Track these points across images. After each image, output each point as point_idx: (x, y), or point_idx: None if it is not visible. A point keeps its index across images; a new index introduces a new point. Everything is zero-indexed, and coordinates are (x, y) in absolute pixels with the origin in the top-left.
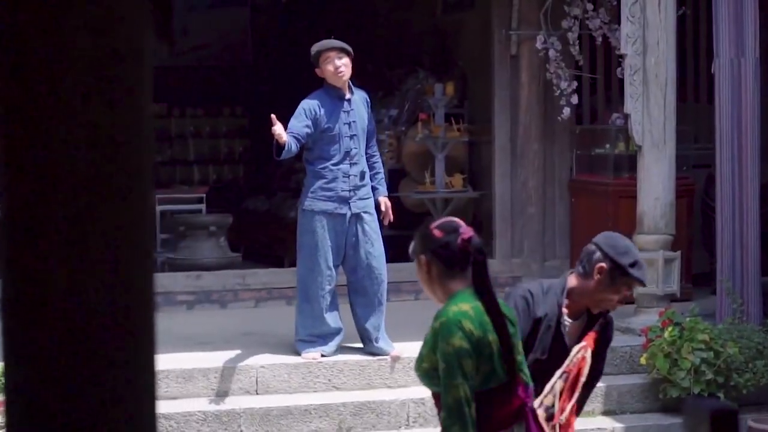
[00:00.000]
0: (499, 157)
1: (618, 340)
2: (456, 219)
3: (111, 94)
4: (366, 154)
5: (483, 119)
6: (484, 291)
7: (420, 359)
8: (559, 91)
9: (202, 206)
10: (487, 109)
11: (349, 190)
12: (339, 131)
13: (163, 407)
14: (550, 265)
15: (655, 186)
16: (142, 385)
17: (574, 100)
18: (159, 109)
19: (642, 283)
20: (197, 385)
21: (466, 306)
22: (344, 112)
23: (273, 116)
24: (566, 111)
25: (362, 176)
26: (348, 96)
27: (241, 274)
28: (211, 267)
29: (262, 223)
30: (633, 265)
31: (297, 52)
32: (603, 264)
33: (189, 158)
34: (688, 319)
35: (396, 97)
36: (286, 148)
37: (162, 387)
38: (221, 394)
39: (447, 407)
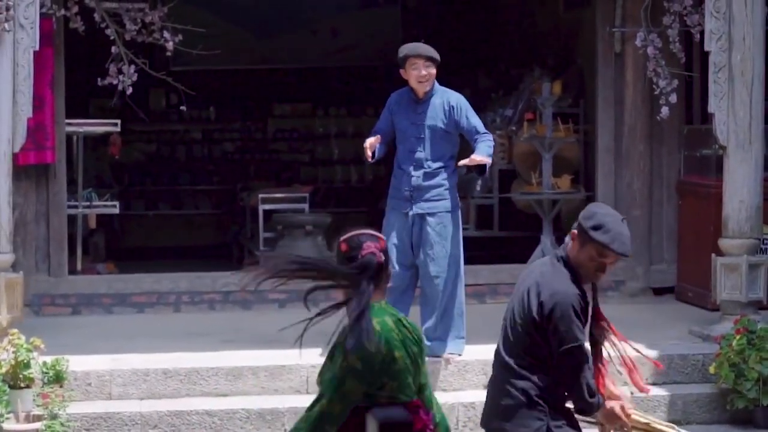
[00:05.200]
0: (602, 158)
1: (692, 348)
2: (368, 232)
3: None
4: (474, 140)
5: (594, 119)
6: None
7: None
8: (658, 90)
9: (305, 206)
10: (595, 108)
11: (411, 190)
12: (406, 131)
13: (208, 404)
14: (657, 269)
15: (740, 188)
16: None
17: (673, 99)
18: (304, 108)
19: (611, 250)
20: (247, 383)
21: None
22: (416, 114)
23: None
24: (664, 110)
25: (426, 177)
26: (422, 99)
27: None
28: None
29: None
30: (595, 228)
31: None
32: (574, 230)
33: (333, 157)
34: (759, 327)
35: (513, 96)
36: (376, 154)
37: (211, 384)
38: (269, 393)
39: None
